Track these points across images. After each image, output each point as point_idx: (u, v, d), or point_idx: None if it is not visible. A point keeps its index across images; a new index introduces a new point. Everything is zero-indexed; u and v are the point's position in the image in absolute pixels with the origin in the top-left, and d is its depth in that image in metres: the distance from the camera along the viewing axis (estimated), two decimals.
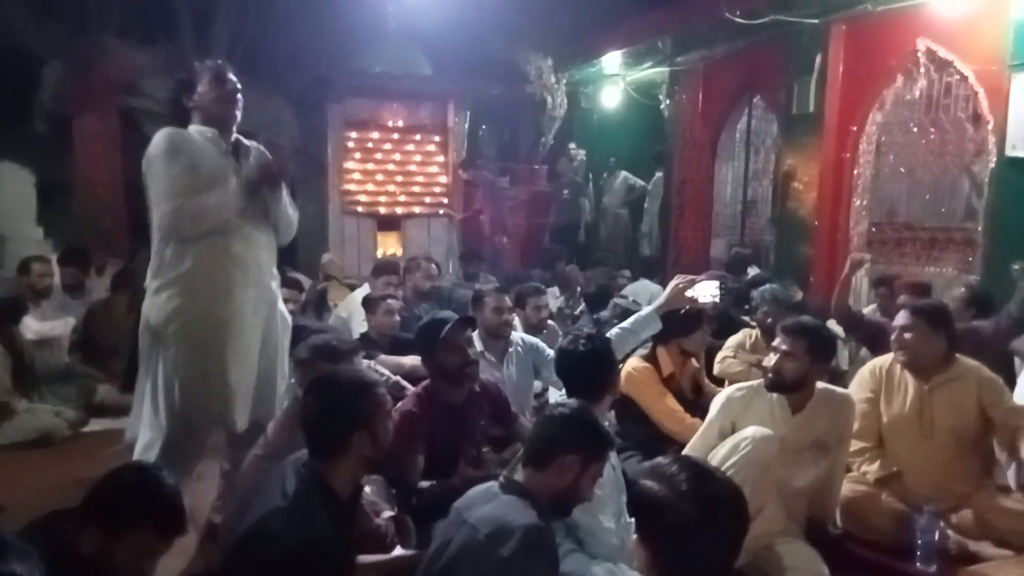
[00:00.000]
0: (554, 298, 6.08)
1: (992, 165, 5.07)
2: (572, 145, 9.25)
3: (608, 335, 3.00)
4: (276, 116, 7.62)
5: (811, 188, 6.60)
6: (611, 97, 9.14)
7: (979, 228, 5.25)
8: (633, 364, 3.48)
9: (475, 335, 3.51)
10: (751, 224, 7.84)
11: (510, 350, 3.67)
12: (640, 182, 9.10)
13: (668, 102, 8.28)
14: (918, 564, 2.85)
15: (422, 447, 2.77)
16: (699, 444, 2.93)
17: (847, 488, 3.13)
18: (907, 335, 3.07)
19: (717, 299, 3.36)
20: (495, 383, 3.12)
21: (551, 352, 3.72)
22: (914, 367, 3.11)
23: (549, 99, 9.01)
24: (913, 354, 3.08)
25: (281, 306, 3.00)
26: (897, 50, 5.75)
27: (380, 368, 3.58)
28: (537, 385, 3.77)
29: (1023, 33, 4.85)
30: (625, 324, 3.10)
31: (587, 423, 2.07)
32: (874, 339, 4.06)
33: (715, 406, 2.99)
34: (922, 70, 5.61)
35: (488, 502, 1.95)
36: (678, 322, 3.40)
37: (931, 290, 4.85)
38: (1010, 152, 4.90)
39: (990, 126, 5.06)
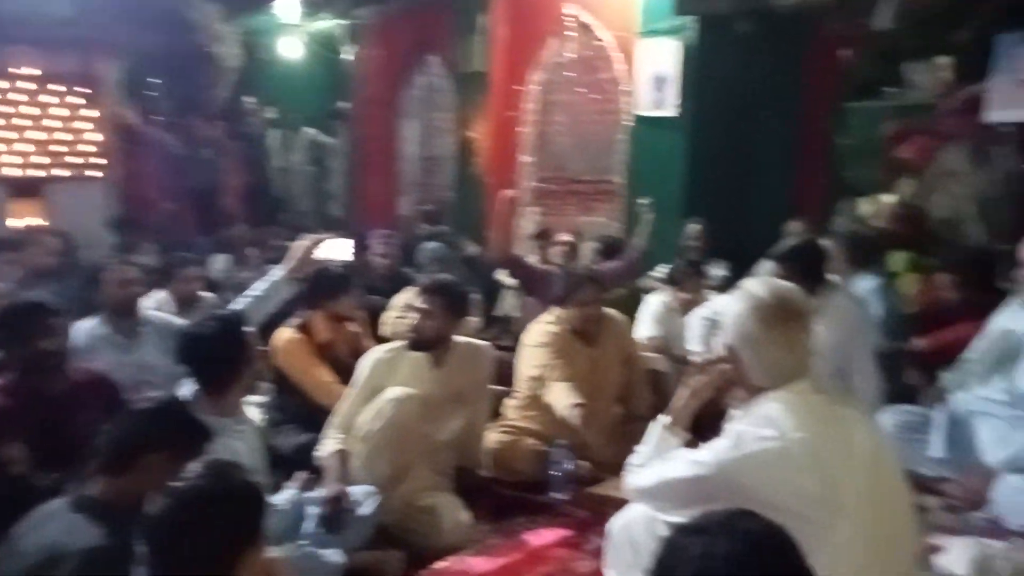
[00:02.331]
0: (222, 263, 5.67)
1: (628, 123, 5.63)
2: (250, 99, 8.64)
3: (236, 305, 2.79)
4: None
5: (484, 146, 6.85)
6: (291, 49, 8.64)
7: (620, 181, 5.81)
8: (285, 335, 3.31)
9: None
10: (435, 182, 7.97)
11: (142, 330, 3.29)
12: (326, 139, 8.78)
13: (349, 57, 8.05)
14: (553, 493, 3.09)
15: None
16: (346, 410, 2.87)
17: (494, 437, 3.28)
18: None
19: (349, 258, 3.27)
20: (102, 372, 2.76)
21: None
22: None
23: (220, 49, 8.28)
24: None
25: None
26: (549, 14, 6.10)
27: None
28: None
29: (650, 2, 5.40)
30: (254, 291, 2.91)
31: (175, 416, 1.87)
32: (533, 285, 4.34)
33: (362, 370, 2.94)
34: (571, 34, 6.02)
35: (45, 525, 1.67)
36: (323, 285, 3.29)
37: (579, 239, 5.31)
38: (640, 111, 5.48)
39: (625, 87, 5.59)
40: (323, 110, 8.82)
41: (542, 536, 2.66)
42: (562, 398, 3.12)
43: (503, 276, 5.31)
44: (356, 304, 3.45)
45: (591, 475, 3.27)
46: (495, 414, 3.50)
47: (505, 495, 3.16)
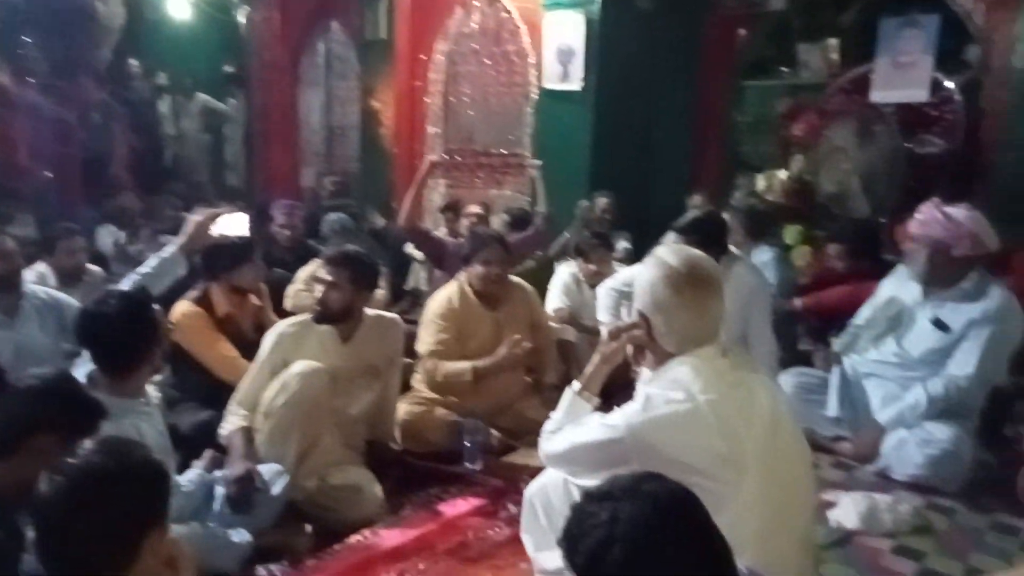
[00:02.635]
0: (110, 235, 5.36)
1: (535, 96, 5.64)
2: (134, 62, 8.12)
3: (126, 283, 2.63)
4: None
5: (390, 116, 6.71)
6: (180, 9, 8.17)
7: (527, 153, 5.83)
8: (182, 309, 3.15)
9: None
10: (340, 152, 7.77)
11: (23, 305, 3.07)
12: (221, 105, 8.39)
13: (244, 20, 7.69)
14: (466, 464, 3.11)
15: None
16: (250, 386, 2.77)
17: (404, 409, 3.26)
18: None
19: (245, 232, 3.13)
20: None
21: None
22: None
23: (101, 6, 7.71)
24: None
25: None
26: None
27: None
28: None
29: None
30: (145, 268, 2.74)
31: (64, 394, 1.75)
32: (440, 257, 4.30)
33: (265, 344, 2.85)
34: (477, 3, 5.95)
35: None
36: (222, 257, 3.15)
37: (489, 211, 5.31)
38: (546, 84, 5.49)
39: (531, 60, 5.59)
40: (216, 75, 8.42)
41: (456, 506, 2.67)
42: (458, 369, 3.21)
43: (412, 249, 5.25)
44: (258, 276, 3.31)
45: (503, 445, 3.31)
46: (405, 387, 3.47)
47: (417, 467, 3.14)
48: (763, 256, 4.15)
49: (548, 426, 1.86)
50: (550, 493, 1.85)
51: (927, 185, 4.39)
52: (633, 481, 1.09)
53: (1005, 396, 3.06)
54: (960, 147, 4.41)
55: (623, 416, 1.62)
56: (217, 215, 2.81)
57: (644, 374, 1.81)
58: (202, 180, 8.11)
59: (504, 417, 3.44)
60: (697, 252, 1.74)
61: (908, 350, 3.04)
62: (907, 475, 2.84)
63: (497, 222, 4.90)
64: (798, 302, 3.89)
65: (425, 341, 3.33)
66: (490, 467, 3.07)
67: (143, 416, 2.23)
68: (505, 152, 6.20)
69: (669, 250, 1.75)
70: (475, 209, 5.17)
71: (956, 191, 4.20)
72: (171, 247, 2.74)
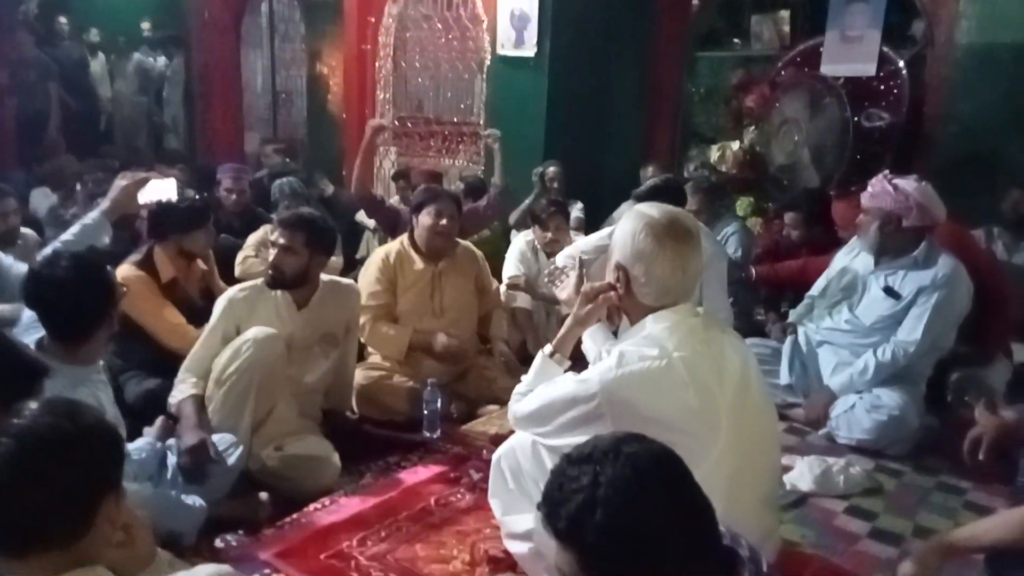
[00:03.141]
0: (45, 197, 5.11)
1: (488, 63, 5.55)
2: (63, 19, 7.70)
3: (47, 250, 2.48)
4: None
5: (338, 80, 6.53)
6: None
7: (480, 121, 5.74)
8: (124, 272, 3.00)
9: None
10: (286, 117, 7.55)
11: None
12: (157, 66, 8.02)
13: None
14: (425, 432, 3.08)
15: None
16: (201, 353, 2.67)
17: (361, 375, 3.20)
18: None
19: (174, 199, 3.00)
20: None
21: (20, 268, 3.06)
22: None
23: None
24: None
25: None
26: None
27: None
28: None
29: None
30: (67, 235, 2.58)
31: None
32: (394, 225, 4.21)
33: (216, 310, 2.75)
34: None
35: None
36: (174, 218, 3.02)
37: (442, 178, 5.22)
38: (500, 51, 5.41)
39: (485, 26, 5.49)
40: (153, 34, 8.04)
41: (416, 473, 2.63)
42: (394, 340, 3.23)
43: (363, 217, 5.14)
44: (210, 242, 3.19)
45: (463, 413, 3.29)
46: (361, 354, 3.41)
47: (376, 436, 3.10)
48: (728, 228, 4.21)
49: (519, 388, 1.84)
50: (519, 456, 1.83)
51: (873, 157, 4.51)
52: (614, 442, 1.07)
53: (945, 363, 3.16)
54: (905, 120, 4.51)
55: (596, 372, 1.61)
56: (145, 179, 2.66)
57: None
58: (139, 144, 7.78)
59: (463, 383, 3.42)
60: (677, 208, 1.73)
61: (860, 318, 3.11)
62: (856, 439, 2.92)
63: (456, 189, 4.80)
64: (750, 270, 3.96)
65: (364, 297, 3.25)
66: (450, 435, 3.04)
67: (99, 385, 2.13)
68: (457, 120, 6.09)
69: (649, 205, 1.73)
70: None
71: (900, 164, 4.34)
72: (95, 212, 2.58)
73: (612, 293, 1.73)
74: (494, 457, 1.90)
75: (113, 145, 7.13)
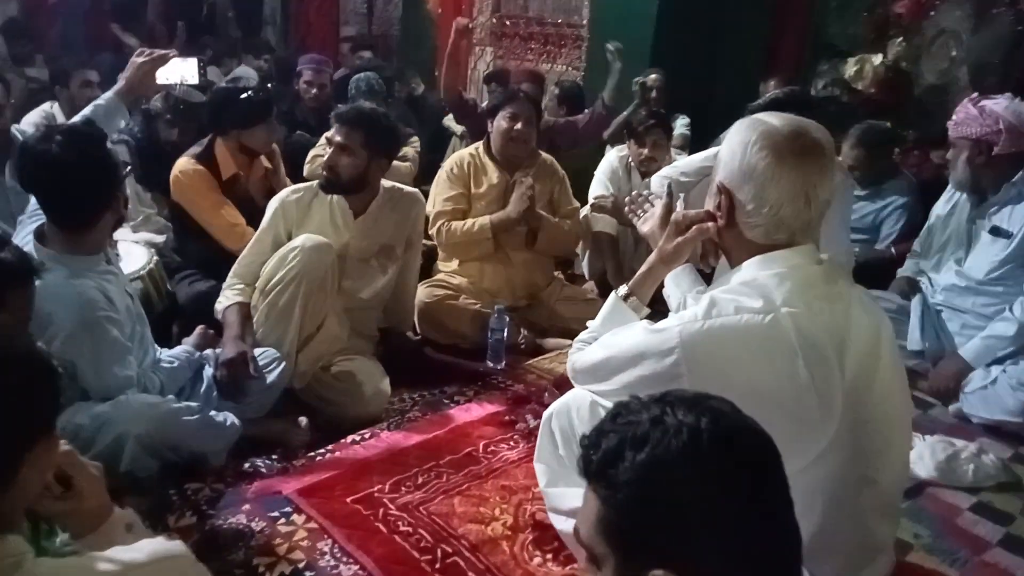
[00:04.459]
0: None
1: None
2: None
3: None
4: None
5: None
6: None
7: (584, 22, 5.22)
8: (183, 166, 2.81)
9: None
10: (382, 12, 7.18)
11: None
12: None
13: None
14: (488, 362, 2.82)
15: None
16: (250, 258, 2.46)
17: (424, 293, 2.94)
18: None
19: (196, 80, 2.71)
20: None
21: None
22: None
23: None
24: None
25: None
26: None
27: None
28: None
29: None
30: (78, 118, 2.32)
31: None
32: (484, 131, 3.86)
33: (268, 212, 2.52)
34: None
35: None
36: (235, 111, 2.77)
37: (544, 80, 4.75)
38: None
39: None
40: None
41: (469, 411, 2.36)
42: (474, 223, 2.92)
43: (451, 122, 4.79)
44: (271, 138, 2.94)
45: (532, 345, 3.00)
46: (427, 271, 3.14)
47: (435, 360, 2.86)
48: (894, 198, 3.55)
49: (583, 335, 1.50)
50: (573, 416, 1.50)
51: None
52: (700, 395, 0.81)
53: None
54: None
55: (678, 321, 1.24)
56: (164, 57, 2.37)
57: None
58: (235, 34, 7.61)
59: (535, 312, 3.12)
60: (810, 121, 1.29)
61: (971, 272, 2.65)
62: (994, 420, 2.44)
63: (550, 97, 4.34)
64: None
65: (433, 202, 3.02)
66: (513, 369, 2.77)
67: (107, 277, 1.93)
68: (561, 21, 5.58)
69: (769, 113, 1.30)
70: (526, 86, 3.97)
71: None
72: (109, 93, 2.33)
73: (710, 224, 1.34)
74: (545, 414, 1.58)
75: (211, 36, 6.95)
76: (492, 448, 2.14)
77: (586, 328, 1.52)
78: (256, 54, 5.64)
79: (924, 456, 2.17)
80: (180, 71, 2.60)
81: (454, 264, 3.07)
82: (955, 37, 4.06)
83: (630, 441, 0.74)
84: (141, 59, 2.31)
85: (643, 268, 1.46)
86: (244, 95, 2.82)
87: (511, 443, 2.17)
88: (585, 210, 3.50)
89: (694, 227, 1.36)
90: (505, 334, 2.82)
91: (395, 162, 3.90)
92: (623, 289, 1.47)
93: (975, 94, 2.68)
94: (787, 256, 1.25)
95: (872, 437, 1.29)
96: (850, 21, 4.81)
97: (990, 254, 2.61)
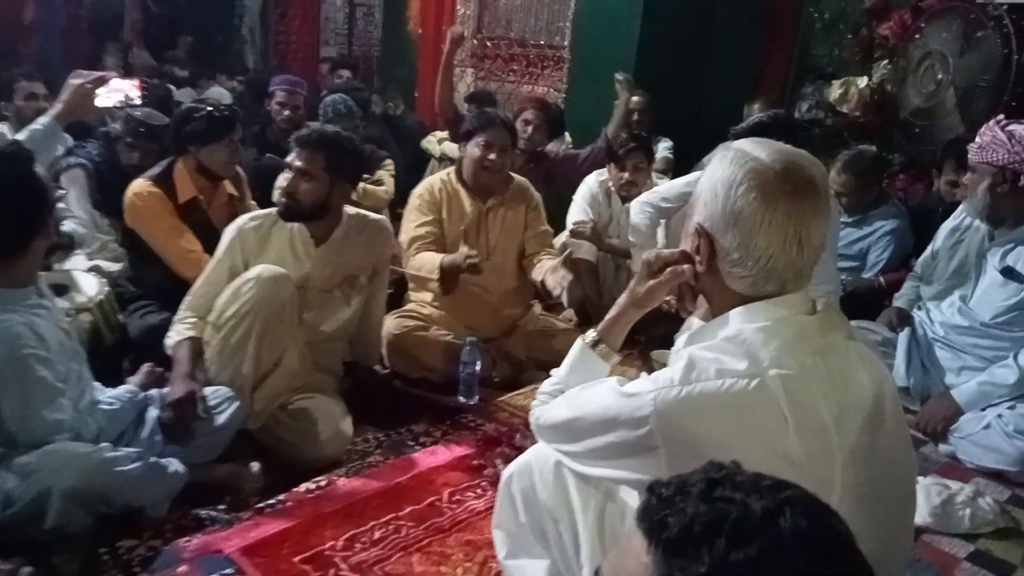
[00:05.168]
0: None
1: None
2: None
3: None
4: None
5: None
6: None
7: (566, 43, 5.13)
8: (138, 187, 2.66)
9: None
10: (362, 31, 7.07)
11: None
12: None
13: None
14: (460, 397, 2.67)
15: None
16: (204, 289, 2.31)
17: (393, 324, 2.79)
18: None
19: (136, 101, 2.59)
20: None
21: None
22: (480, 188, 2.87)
23: None
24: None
25: None
26: None
27: None
28: None
29: None
30: (16, 136, 2.20)
31: None
32: None
33: (224, 240, 2.37)
34: None
35: None
36: (192, 127, 2.64)
37: (550, 107, 4.57)
38: None
39: None
40: None
41: (435, 455, 2.21)
42: (428, 260, 2.71)
43: (430, 144, 4.67)
44: (232, 159, 2.80)
45: (506, 377, 2.86)
46: (397, 301, 3.00)
47: (404, 394, 2.71)
48: (884, 224, 3.42)
49: (546, 385, 1.36)
50: (535, 478, 1.33)
51: None
52: (822, 507, 0.68)
53: None
54: None
55: (653, 386, 1.08)
56: (101, 79, 2.24)
57: (693, 321, 1.29)
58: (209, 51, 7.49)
59: (510, 342, 2.98)
60: (796, 149, 1.14)
61: (976, 311, 2.49)
62: (990, 468, 2.31)
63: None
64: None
65: (405, 231, 2.88)
66: (485, 405, 2.62)
67: (38, 311, 1.78)
68: (543, 42, 5.49)
69: (754, 143, 1.14)
70: (530, 115, 3.85)
71: None
72: (45, 116, 2.19)
73: (686, 267, 1.19)
74: (504, 475, 1.42)
75: (181, 53, 6.82)
76: (457, 497, 1.98)
77: (550, 376, 1.38)
78: (231, 75, 5.50)
79: (919, 501, 2.03)
80: (121, 91, 2.47)
81: (427, 295, 2.93)
82: (941, 59, 3.99)
83: (731, 529, 0.62)
84: (77, 81, 2.17)
85: (612, 311, 1.31)
86: (204, 111, 2.69)
87: (478, 491, 2.01)
88: (564, 236, 3.37)
89: (668, 270, 1.22)
90: (478, 367, 2.67)
91: (370, 186, 3.82)
92: (591, 335, 1.33)
93: (1001, 116, 2.49)
94: (776, 307, 1.10)
95: (879, 502, 1.14)
96: (835, 43, 4.74)
97: (1000, 296, 2.45)
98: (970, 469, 2.33)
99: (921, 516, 2.00)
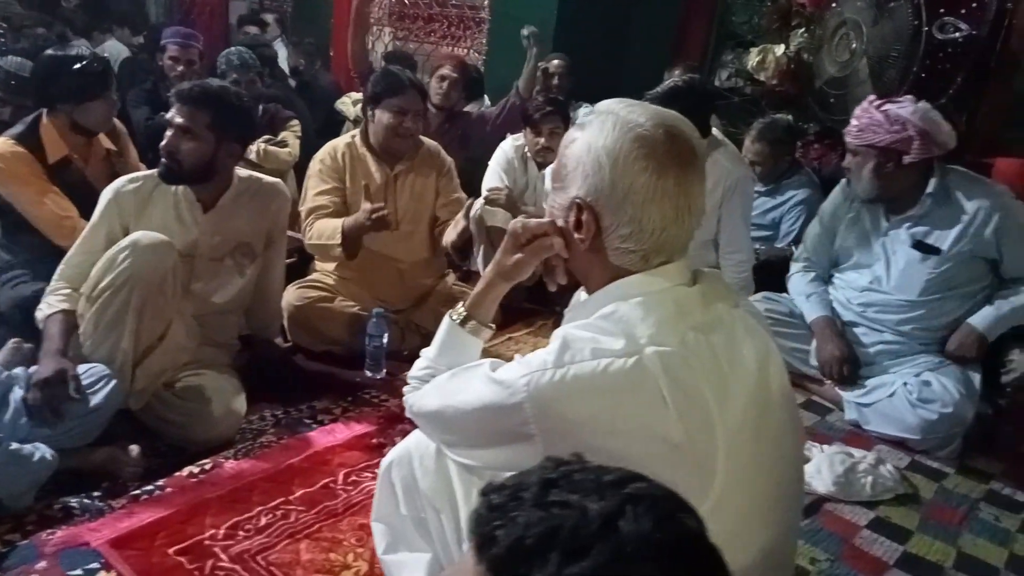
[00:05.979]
0: None
1: None
2: None
3: None
4: None
5: None
6: None
7: (486, 3, 4.97)
8: (0, 148, 2.42)
9: None
10: None
11: None
12: None
13: None
14: (367, 371, 2.56)
15: None
16: (79, 258, 2.12)
17: (294, 295, 2.65)
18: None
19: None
20: None
21: None
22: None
23: None
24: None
25: None
26: None
27: None
28: None
29: None
30: None
31: None
32: None
33: (100, 204, 2.17)
34: None
35: None
36: (64, 83, 2.41)
37: (467, 67, 4.43)
38: None
39: None
40: None
41: (333, 433, 2.09)
42: (329, 225, 2.55)
43: (345, 105, 4.46)
44: (108, 115, 2.57)
45: (415, 349, 2.74)
46: (301, 271, 2.85)
47: (306, 370, 2.58)
48: (795, 193, 3.43)
49: (416, 368, 1.26)
50: (415, 466, 1.24)
51: (942, 75, 3.76)
52: (670, 500, 0.60)
53: (1003, 336, 2.53)
54: (987, 34, 3.73)
55: (526, 370, 0.99)
56: None
57: (582, 294, 1.20)
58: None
59: (420, 313, 2.87)
60: (673, 113, 1.06)
61: (901, 293, 2.44)
62: (892, 436, 2.34)
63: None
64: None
65: (304, 198, 2.72)
66: (392, 380, 2.51)
67: None
68: (462, 3, 5.32)
69: (628, 106, 1.05)
70: (447, 71, 3.79)
71: (973, 85, 3.61)
72: None
73: (556, 240, 1.10)
74: (384, 462, 1.32)
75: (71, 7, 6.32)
76: (354, 478, 1.87)
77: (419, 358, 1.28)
78: (134, 29, 5.12)
79: (822, 469, 2.04)
80: None
81: (331, 264, 2.78)
82: (856, 28, 4.01)
83: (565, 541, 0.53)
84: None
85: (480, 284, 1.22)
86: (77, 65, 2.45)
87: (376, 471, 1.90)
88: (479, 204, 3.26)
89: (535, 242, 1.12)
90: (385, 340, 2.56)
91: (272, 148, 3.61)
92: (459, 310, 1.23)
93: (872, 96, 2.46)
94: (654, 278, 1.02)
95: (767, 481, 1.09)
96: (755, 10, 4.72)
97: (923, 272, 2.39)
98: (873, 437, 2.36)
99: (824, 485, 2.01)
